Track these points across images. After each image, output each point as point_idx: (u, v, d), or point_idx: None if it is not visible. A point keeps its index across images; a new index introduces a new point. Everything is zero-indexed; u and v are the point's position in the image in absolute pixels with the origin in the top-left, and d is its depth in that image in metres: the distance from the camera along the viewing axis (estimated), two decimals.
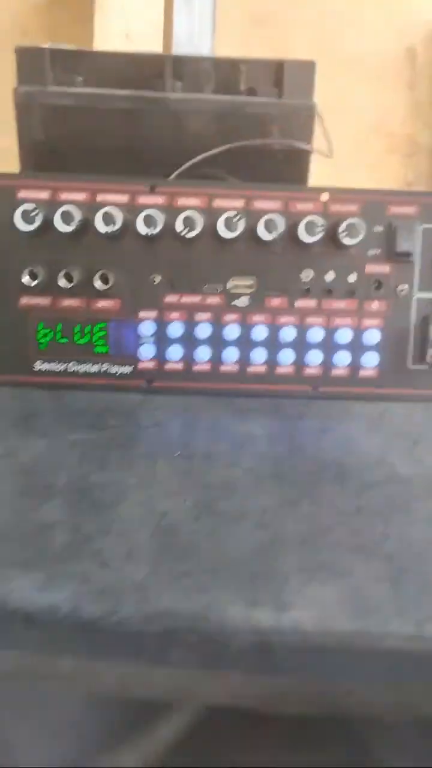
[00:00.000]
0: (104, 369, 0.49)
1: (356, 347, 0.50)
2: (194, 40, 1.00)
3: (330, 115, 1.16)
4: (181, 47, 0.98)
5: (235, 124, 0.56)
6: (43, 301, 0.48)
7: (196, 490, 0.39)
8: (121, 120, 0.55)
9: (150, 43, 1.01)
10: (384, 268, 0.49)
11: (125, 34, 1.01)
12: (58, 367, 0.49)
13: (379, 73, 1.16)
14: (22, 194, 0.47)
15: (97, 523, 0.35)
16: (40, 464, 0.40)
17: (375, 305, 0.49)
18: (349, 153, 1.17)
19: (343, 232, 0.47)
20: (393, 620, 0.30)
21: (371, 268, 0.49)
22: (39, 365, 0.49)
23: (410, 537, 0.35)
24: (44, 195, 0.47)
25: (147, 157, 0.55)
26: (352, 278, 0.49)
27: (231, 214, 0.46)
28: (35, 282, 0.47)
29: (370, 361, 0.50)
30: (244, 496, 0.38)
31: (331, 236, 0.48)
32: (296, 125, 0.56)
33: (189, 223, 0.46)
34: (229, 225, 0.46)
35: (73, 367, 0.49)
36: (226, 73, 0.57)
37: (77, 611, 0.29)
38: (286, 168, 0.58)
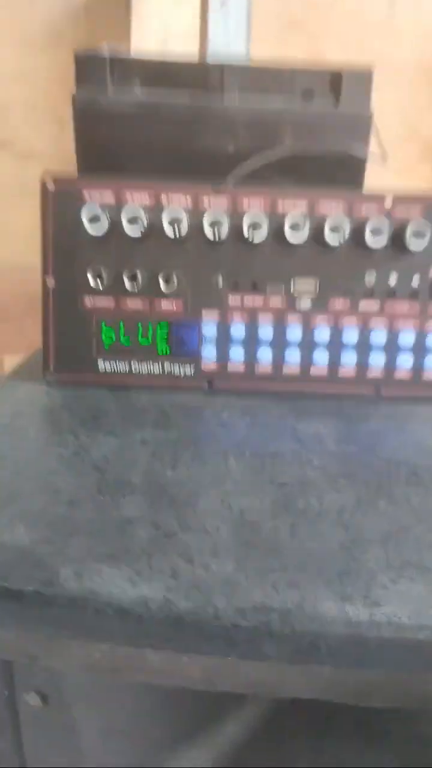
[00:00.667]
0: (166, 369, 0.49)
1: (419, 350, 0.49)
2: (230, 43, 1.01)
3: None
4: (217, 51, 0.98)
5: (291, 131, 0.56)
6: (107, 302, 0.48)
7: (270, 487, 0.38)
8: (178, 127, 0.55)
9: (186, 47, 1.02)
10: None
11: (162, 38, 1.02)
12: (121, 366, 0.49)
13: (412, 78, 1.16)
14: (87, 196, 0.47)
15: (177, 519, 0.35)
16: (113, 461, 0.40)
17: None
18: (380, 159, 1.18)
19: (409, 235, 0.47)
20: None
21: None
22: (102, 365, 0.49)
23: None
24: (108, 197, 0.47)
25: (203, 164, 0.55)
26: (415, 281, 0.49)
27: (297, 216, 0.46)
28: (100, 283, 0.47)
29: None
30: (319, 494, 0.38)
31: (396, 239, 0.48)
32: (353, 134, 0.56)
33: (255, 225, 0.46)
34: (296, 227, 0.47)
35: (135, 367, 0.49)
36: (283, 81, 0.57)
37: (169, 605, 0.29)
38: (341, 175, 0.58)
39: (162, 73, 0.57)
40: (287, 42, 1.14)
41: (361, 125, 0.56)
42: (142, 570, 0.31)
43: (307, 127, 0.57)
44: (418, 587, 0.31)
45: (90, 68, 0.55)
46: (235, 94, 0.56)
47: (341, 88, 0.56)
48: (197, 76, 0.57)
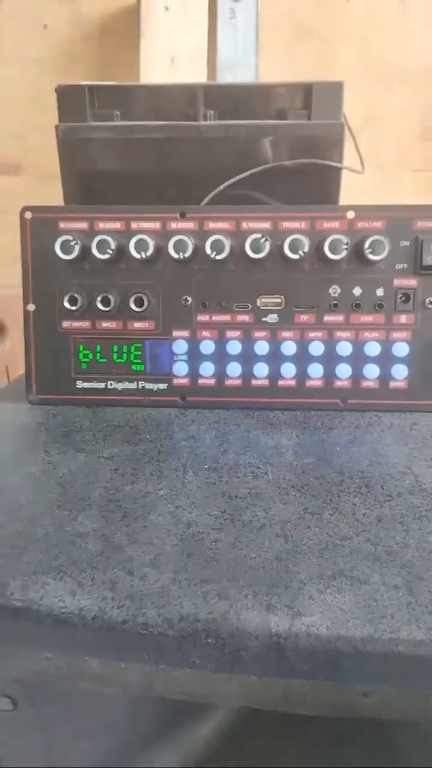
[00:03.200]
0: (141, 386, 0.52)
1: (385, 360, 0.50)
2: (238, 60, 1.03)
3: (375, 122, 1.16)
4: (226, 68, 1.01)
5: (267, 147, 0.58)
6: (83, 323, 0.51)
7: (221, 500, 0.40)
8: (157, 149, 0.58)
9: (195, 66, 1.05)
10: (411, 282, 0.50)
11: (170, 58, 1.04)
12: (98, 385, 0.52)
13: (425, 78, 1.15)
14: (62, 225, 0.50)
15: (127, 532, 0.38)
16: (77, 477, 0.42)
17: (403, 318, 0.50)
18: (395, 160, 1.17)
19: (368, 248, 0.48)
20: (404, 627, 0.31)
21: (398, 282, 0.50)
22: (80, 384, 0.52)
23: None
24: (83, 225, 0.50)
25: (184, 183, 0.58)
26: (379, 292, 0.50)
27: (257, 236, 0.48)
28: (75, 306, 0.50)
29: (400, 373, 0.50)
30: (266, 506, 0.40)
31: (357, 253, 0.49)
32: (326, 144, 0.58)
33: (217, 246, 0.48)
34: (256, 246, 0.48)
35: (112, 384, 0.52)
36: (257, 98, 0.59)
37: (104, 615, 0.32)
38: (318, 186, 0.59)
39: (141, 99, 0.60)
40: (299, 52, 1.15)
41: (333, 135, 0.58)
42: (84, 582, 0.34)
43: (281, 141, 0.58)
44: (344, 598, 0.33)
45: (70, 99, 0.58)
46: (212, 113, 0.58)
47: (312, 101, 0.57)
48: (174, 99, 0.59)
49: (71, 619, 0.32)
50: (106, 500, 0.40)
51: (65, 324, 0.51)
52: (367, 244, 0.48)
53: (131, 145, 0.57)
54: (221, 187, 0.56)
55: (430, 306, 0.50)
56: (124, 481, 0.42)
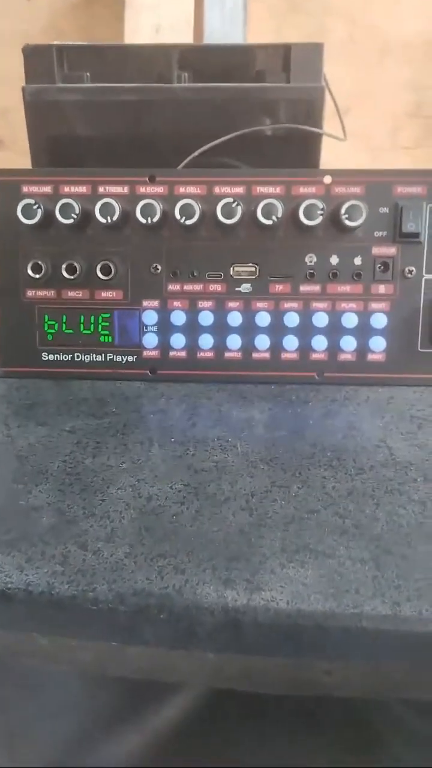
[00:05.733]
0: (109, 358, 0.50)
1: (362, 332, 0.49)
2: (226, 32, 1.00)
3: (366, 98, 1.13)
4: (212, 40, 0.98)
5: (242, 112, 0.55)
6: (48, 293, 0.49)
7: (186, 474, 0.39)
8: (129, 113, 0.55)
9: (181, 37, 1.02)
10: (390, 250, 0.48)
11: (155, 28, 1.01)
12: (65, 357, 0.50)
13: (417, 55, 1.13)
14: (25, 189, 0.48)
15: (84, 506, 0.36)
16: (36, 451, 0.41)
17: (381, 288, 0.48)
18: (386, 136, 1.15)
19: (344, 214, 0.46)
20: (369, 601, 0.29)
21: (377, 251, 0.48)
22: (46, 356, 0.50)
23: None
24: (47, 189, 0.48)
25: (157, 149, 0.55)
26: (357, 261, 0.48)
27: (229, 200, 0.46)
28: (39, 275, 0.48)
29: (377, 345, 0.48)
30: (233, 480, 0.38)
31: (334, 219, 0.47)
32: (306, 109, 0.55)
33: (187, 211, 0.46)
34: (227, 211, 0.46)
35: (78, 356, 0.50)
36: (233, 60, 0.57)
37: (53, 590, 0.30)
38: (296, 153, 0.57)
39: (112, 60, 0.57)
40: (289, 25, 1.12)
41: (313, 99, 0.55)
42: (34, 556, 0.32)
43: (259, 105, 0.56)
44: (307, 572, 0.31)
45: (38, 60, 0.56)
46: (186, 76, 0.56)
47: (291, 63, 0.55)
48: (148, 60, 0.57)
49: (17, 594, 0.30)
50: (65, 473, 0.39)
51: (29, 293, 0.49)
52: (343, 210, 0.46)
53: (102, 109, 0.55)
54: (196, 153, 0.54)
55: (409, 275, 0.48)
56: (84, 455, 0.40)
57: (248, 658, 0.31)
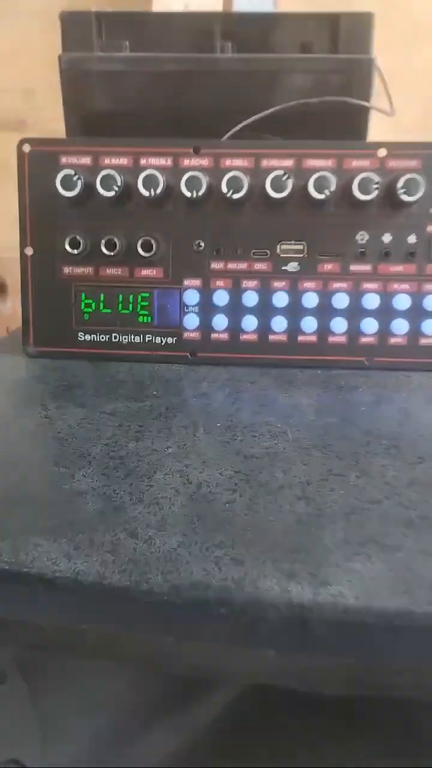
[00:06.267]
0: (148, 339, 0.48)
1: (415, 314, 0.46)
2: (255, 6, 0.96)
3: (397, 78, 1.10)
4: (243, 6, 0.94)
5: (288, 84, 0.53)
6: (85, 270, 0.47)
7: (236, 460, 0.36)
8: (170, 84, 0.53)
9: (211, 4, 0.98)
10: None
11: (184, 4, 0.98)
12: (102, 337, 0.48)
13: None
14: (64, 160, 0.46)
15: (131, 492, 0.34)
16: (76, 433, 0.39)
17: None
18: (418, 118, 1.11)
19: (401, 188, 0.44)
20: None
21: None
22: (82, 336, 0.48)
23: None
24: (86, 160, 0.46)
25: (199, 122, 0.53)
26: (411, 239, 0.46)
27: (279, 173, 0.44)
28: (77, 250, 0.46)
29: (431, 329, 0.46)
30: (286, 467, 0.36)
31: (389, 194, 0.45)
32: (353, 81, 0.53)
33: (234, 184, 0.44)
34: (277, 185, 0.44)
35: (116, 337, 0.48)
36: (279, 29, 0.54)
37: (104, 580, 0.28)
38: (343, 127, 0.54)
39: (152, 28, 0.55)
40: (316, 3, 1.09)
41: (361, 71, 0.53)
42: (82, 544, 0.30)
43: (305, 77, 0.53)
44: (374, 566, 0.29)
45: (75, 28, 0.53)
46: (230, 45, 0.54)
47: (339, 33, 0.52)
48: (189, 29, 0.54)
49: (66, 584, 0.28)
50: (108, 457, 0.36)
51: (66, 270, 0.47)
52: (400, 184, 0.43)
53: (141, 79, 0.53)
54: (239, 126, 0.52)
55: None
56: (128, 438, 0.38)
57: (312, 657, 0.29)
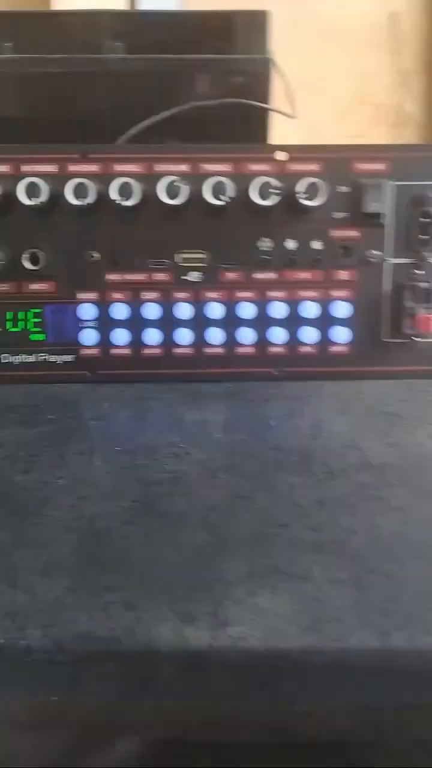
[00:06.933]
0: (42, 359, 0.44)
1: (324, 322, 0.44)
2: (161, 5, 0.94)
3: (311, 85, 1.10)
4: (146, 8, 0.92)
5: (182, 86, 0.51)
6: None
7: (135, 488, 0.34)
8: (57, 87, 0.50)
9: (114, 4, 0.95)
10: (351, 233, 0.44)
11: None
12: None
13: (362, 39, 1.10)
14: None
15: (13, 533, 0.30)
16: None
17: (343, 274, 0.44)
18: (332, 124, 1.12)
19: (302, 193, 0.42)
20: (353, 632, 0.25)
21: (337, 233, 0.44)
22: None
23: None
24: None
25: (88, 128, 0.50)
26: (316, 245, 0.44)
27: (172, 178, 0.41)
28: None
29: (340, 336, 0.44)
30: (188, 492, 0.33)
31: (290, 199, 0.43)
32: (252, 82, 0.51)
33: (125, 190, 0.41)
34: (171, 191, 0.41)
35: (7, 358, 0.44)
36: (173, 28, 0.52)
37: None
38: (244, 131, 0.53)
39: (39, 28, 0.51)
40: (227, 3, 1.08)
41: (260, 71, 0.51)
42: None
43: (201, 78, 0.51)
44: (280, 599, 0.27)
45: None
46: (121, 45, 0.51)
47: (235, 32, 0.50)
48: (78, 28, 0.51)
49: None
50: None
51: None
52: (301, 188, 0.42)
53: (26, 82, 0.49)
54: (132, 132, 0.49)
55: (372, 260, 0.44)
56: (14, 471, 0.35)
57: (214, 705, 0.26)
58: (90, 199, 0.41)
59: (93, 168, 0.42)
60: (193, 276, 0.44)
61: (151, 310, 0.44)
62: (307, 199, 0.42)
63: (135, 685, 0.25)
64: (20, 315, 0.43)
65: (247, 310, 0.44)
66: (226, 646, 0.25)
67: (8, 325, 0.43)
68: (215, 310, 0.44)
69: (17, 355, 0.44)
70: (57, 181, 0.41)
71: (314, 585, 0.27)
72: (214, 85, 0.50)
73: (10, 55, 0.49)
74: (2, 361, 0.44)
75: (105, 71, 0.50)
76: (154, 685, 0.25)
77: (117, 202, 0.41)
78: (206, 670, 0.25)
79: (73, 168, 0.42)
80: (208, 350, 0.45)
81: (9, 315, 0.43)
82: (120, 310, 0.43)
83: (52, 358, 0.44)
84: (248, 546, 0.30)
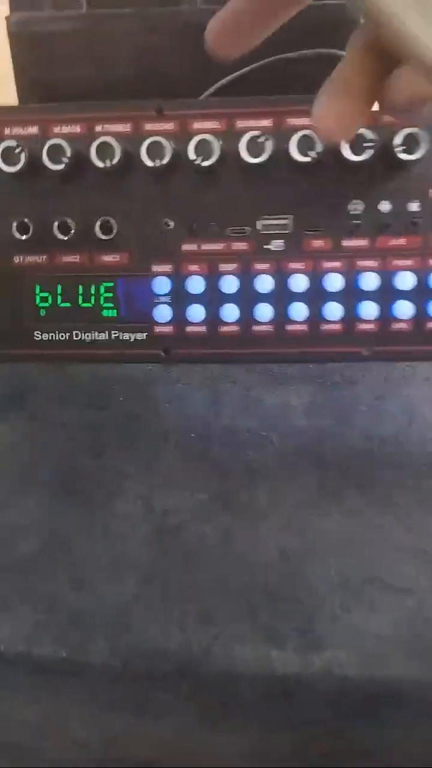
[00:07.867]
0: (114, 336, 0.41)
1: (421, 295, 0.39)
2: None
3: None
4: None
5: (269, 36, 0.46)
6: (38, 258, 0.40)
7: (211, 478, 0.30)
8: (131, 43, 0.46)
9: None
10: None
11: None
12: (61, 336, 0.41)
13: None
14: (7, 131, 0.39)
15: (79, 524, 0.28)
16: (21, 450, 0.33)
17: None
18: None
19: (399, 146, 0.37)
20: None
21: None
22: (39, 335, 0.41)
23: None
24: (33, 130, 0.39)
25: (165, 86, 0.46)
26: (413, 207, 0.39)
27: (255, 134, 0.37)
28: (27, 235, 0.39)
29: None
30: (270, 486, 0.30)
31: (386, 153, 0.38)
32: (336, 30, 0.46)
33: (204, 149, 0.37)
34: (254, 148, 0.37)
35: (77, 335, 0.41)
36: None
37: (31, 651, 0.22)
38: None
39: None
40: None
41: (344, 17, 0.46)
42: (10, 599, 0.24)
43: (288, 27, 0.46)
44: (380, 617, 0.23)
45: None
46: None
47: None
48: None
49: None
50: (55, 481, 0.30)
51: (16, 259, 0.41)
52: (398, 140, 0.37)
53: (99, 38, 0.46)
54: (213, 89, 0.45)
55: None
56: (82, 456, 0.32)
57: (300, 733, 0.23)
58: (166, 159, 0.37)
59: (169, 126, 0.39)
60: (276, 245, 0.40)
61: (229, 284, 0.40)
62: (404, 152, 0.37)
63: (210, 711, 0.22)
64: (92, 289, 0.40)
65: (334, 282, 0.39)
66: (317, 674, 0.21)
67: (80, 299, 0.40)
68: (299, 283, 0.40)
69: (88, 332, 0.41)
70: (131, 141, 0.38)
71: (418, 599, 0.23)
72: (298, 35, 0.45)
73: (84, 11, 0.46)
74: (74, 338, 0.41)
75: (183, 23, 0.46)
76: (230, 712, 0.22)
77: (195, 162, 0.37)
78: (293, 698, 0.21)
79: (148, 126, 0.38)
80: (290, 327, 0.40)
81: (80, 289, 0.40)
82: (196, 284, 0.40)
83: (125, 336, 0.41)
84: (340, 551, 0.26)
